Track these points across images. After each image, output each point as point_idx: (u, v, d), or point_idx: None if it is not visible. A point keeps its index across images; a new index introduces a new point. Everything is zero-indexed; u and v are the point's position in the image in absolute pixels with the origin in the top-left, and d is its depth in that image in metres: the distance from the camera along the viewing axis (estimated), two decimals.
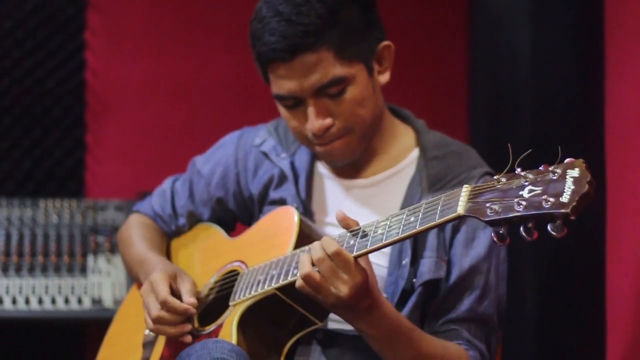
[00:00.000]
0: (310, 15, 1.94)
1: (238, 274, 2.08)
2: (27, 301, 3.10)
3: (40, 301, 3.11)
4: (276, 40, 1.96)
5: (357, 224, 1.84)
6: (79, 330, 3.44)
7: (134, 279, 2.32)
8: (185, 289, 2.07)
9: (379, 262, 2.04)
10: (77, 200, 3.41)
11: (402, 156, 2.13)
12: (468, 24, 3.85)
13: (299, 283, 1.84)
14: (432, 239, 2.03)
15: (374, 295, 1.85)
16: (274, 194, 2.18)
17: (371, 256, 2.02)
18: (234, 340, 1.93)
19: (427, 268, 2.01)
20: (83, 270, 3.22)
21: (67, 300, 3.13)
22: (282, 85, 2.00)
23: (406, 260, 2.02)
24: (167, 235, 2.37)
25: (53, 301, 3.12)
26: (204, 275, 2.16)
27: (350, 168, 2.14)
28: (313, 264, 1.80)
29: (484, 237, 2.05)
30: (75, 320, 3.15)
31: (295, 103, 2.02)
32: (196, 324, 2.07)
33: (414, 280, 2.01)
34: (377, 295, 1.87)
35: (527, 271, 3.22)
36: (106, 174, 3.57)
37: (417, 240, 2.03)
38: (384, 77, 2.08)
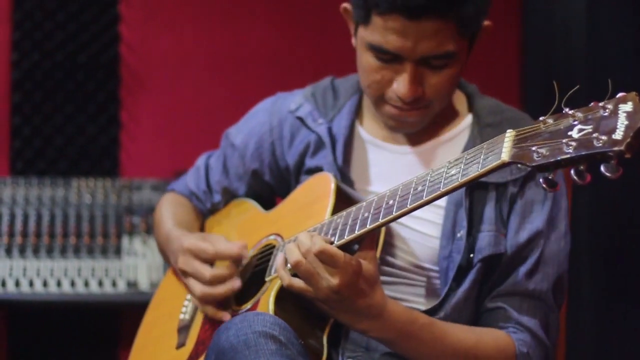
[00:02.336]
0: None
1: (274, 247, 1.93)
2: (58, 284, 2.97)
3: (72, 284, 2.98)
4: None
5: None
6: (113, 314, 3.30)
7: (165, 260, 2.18)
8: (222, 241, 1.95)
9: (430, 232, 1.89)
10: (112, 180, 3.28)
11: (455, 122, 1.97)
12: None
13: (287, 283, 1.71)
14: (489, 211, 1.87)
15: (373, 295, 1.69)
16: (310, 162, 2.02)
17: (421, 226, 1.87)
18: (271, 313, 1.77)
19: (486, 242, 1.85)
20: (117, 252, 3.08)
21: (100, 283, 3.00)
22: (390, 39, 1.81)
23: (461, 233, 1.85)
24: (203, 214, 2.22)
25: (86, 284, 2.98)
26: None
27: (400, 134, 1.98)
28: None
29: (542, 209, 1.89)
30: (109, 304, 3.02)
31: (393, 59, 1.84)
32: (233, 304, 1.92)
33: (472, 255, 1.86)
34: (379, 295, 1.70)
35: (583, 254, 3.08)
36: (141, 152, 3.43)
37: (473, 212, 1.87)
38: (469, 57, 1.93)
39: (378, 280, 1.70)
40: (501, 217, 1.88)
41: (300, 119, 2.06)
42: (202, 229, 2.20)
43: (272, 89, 3.43)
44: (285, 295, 1.79)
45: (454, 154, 1.91)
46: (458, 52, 1.83)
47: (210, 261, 1.95)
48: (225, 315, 1.91)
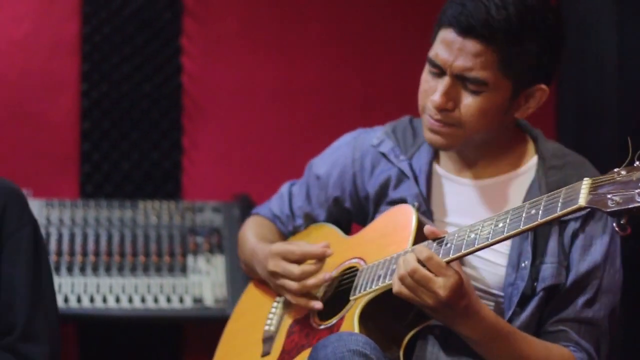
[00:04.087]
0: (501, 12, 2.00)
1: (357, 270, 2.13)
2: (130, 300, 3.18)
3: (142, 300, 3.19)
4: (464, 12, 2.01)
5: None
6: (180, 328, 3.51)
7: (252, 275, 2.39)
8: (305, 244, 2.19)
9: (498, 261, 2.09)
10: (175, 202, 3.49)
11: (522, 162, 2.18)
12: None
13: (396, 289, 1.92)
14: (552, 244, 2.08)
15: (470, 297, 1.92)
16: (393, 194, 2.23)
17: (489, 255, 2.08)
18: (356, 330, 1.99)
19: (549, 273, 2.07)
20: (183, 270, 3.29)
21: (168, 300, 3.20)
22: (440, 51, 2.05)
23: (526, 263, 2.07)
24: (284, 235, 2.43)
25: (155, 300, 3.19)
26: (327, 266, 2.21)
27: (470, 169, 2.18)
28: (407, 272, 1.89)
29: (601, 244, 2.11)
30: (176, 318, 3.23)
31: (439, 73, 2.07)
32: (317, 319, 2.13)
33: (535, 284, 2.06)
34: (475, 299, 1.94)
35: None
36: (202, 176, 3.64)
37: (537, 245, 2.08)
38: (522, 114, 2.13)
39: (472, 287, 1.92)
40: (563, 250, 2.09)
41: (383, 154, 2.27)
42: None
43: (323, 118, 3.67)
44: (368, 314, 2.01)
45: (520, 191, 2.12)
46: (493, 85, 2.04)
47: (297, 262, 2.18)
48: (318, 304, 2.14)
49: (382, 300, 2.03)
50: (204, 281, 3.26)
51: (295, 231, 2.42)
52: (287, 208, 2.42)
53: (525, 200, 2.09)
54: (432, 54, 2.08)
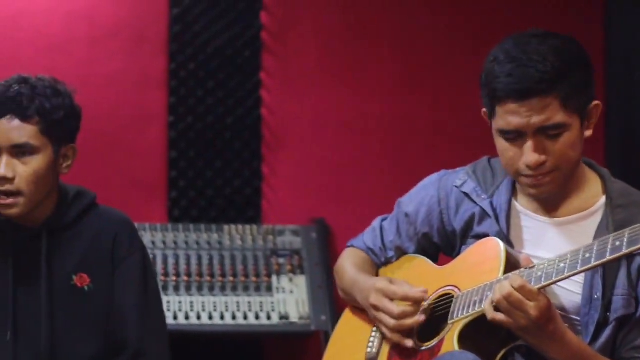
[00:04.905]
0: (546, 64, 2.21)
1: (451, 296, 2.39)
2: (222, 317, 3.45)
3: (233, 317, 3.45)
4: (513, 81, 2.22)
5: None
6: (268, 343, 3.77)
7: (349, 302, 2.65)
8: (407, 286, 2.42)
9: (574, 289, 2.34)
10: (256, 226, 3.76)
11: (592, 201, 2.39)
12: (604, 59, 4.13)
13: (490, 315, 2.18)
14: (622, 278, 2.32)
15: (557, 322, 2.18)
16: (477, 229, 2.47)
17: (566, 284, 2.33)
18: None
19: (620, 305, 2.31)
20: (269, 289, 3.55)
21: (257, 317, 3.47)
22: (509, 120, 2.28)
23: (597, 295, 2.31)
24: (377, 265, 2.69)
25: (245, 317, 3.46)
26: None
27: (546, 207, 2.42)
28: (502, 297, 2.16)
29: None
30: (264, 334, 3.50)
31: (516, 137, 2.30)
32: (417, 341, 2.39)
33: (608, 314, 2.31)
34: (561, 324, 2.19)
35: None
36: (280, 202, 3.90)
37: (607, 278, 2.32)
38: (589, 132, 2.36)
39: (557, 312, 2.17)
40: (631, 283, 2.33)
41: (466, 194, 2.52)
42: (375, 272, 2.67)
43: (392, 147, 3.93)
44: (465, 335, 2.26)
45: (591, 227, 2.36)
46: (568, 123, 2.27)
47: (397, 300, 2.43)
48: (409, 342, 2.38)
49: (477, 323, 2.28)
50: (288, 299, 3.53)
51: (387, 262, 2.66)
52: (380, 241, 2.66)
53: (594, 237, 2.33)
54: (501, 125, 2.27)
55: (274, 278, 3.59)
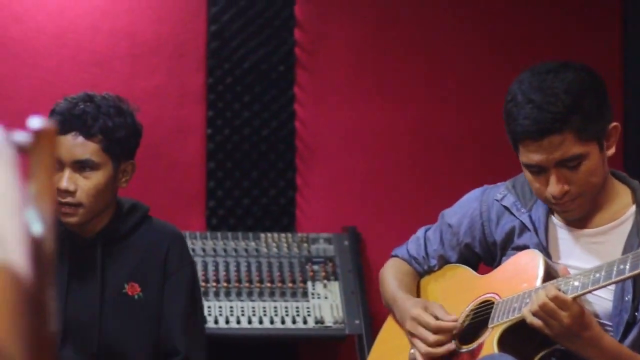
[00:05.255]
0: (557, 104, 2.39)
1: (492, 303, 2.56)
2: (260, 321, 3.62)
3: (271, 321, 3.63)
4: (529, 123, 2.41)
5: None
6: (304, 347, 3.95)
7: (388, 309, 2.83)
8: (440, 312, 2.59)
9: (606, 296, 2.51)
10: (290, 234, 3.93)
11: (622, 212, 2.57)
12: (621, 69, 4.28)
13: (529, 320, 2.35)
14: None
15: (593, 329, 2.35)
16: (517, 241, 2.65)
17: (600, 291, 2.50)
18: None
19: None
20: (305, 294, 3.73)
21: (294, 321, 3.64)
22: (531, 157, 2.46)
23: (628, 297, 2.48)
24: (420, 274, 2.86)
25: (282, 321, 3.63)
26: (457, 304, 2.65)
27: (580, 220, 2.59)
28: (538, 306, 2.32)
29: None
30: (301, 337, 3.68)
31: (539, 170, 2.49)
32: (457, 343, 2.56)
33: (636, 313, 2.48)
34: (598, 330, 2.36)
35: None
36: (313, 211, 4.07)
37: (637, 282, 2.49)
38: (611, 151, 2.54)
39: (594, 319, 2.34)
40: None
41: (506, 208, 2.69)
42: (418, 285, 2.84)
43: (421, 158, 4.10)
44: (504, 339, 2.44)
45: (621, 236, 2.54)
46: (585, 153, 2.44)
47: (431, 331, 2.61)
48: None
49: (516, 328, 2.46)
50: (323, 304, 3.70)
51: (430, 270, 2.84)
52: (423, 251, 2.84)
53: (625, 245, 2.50)
54: (524, 160, 2.47)
55: (309, 284, 3.76)
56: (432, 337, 2.57)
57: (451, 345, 2.57)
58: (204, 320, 2.90)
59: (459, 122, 4.14)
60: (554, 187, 2.46)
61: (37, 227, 1.43)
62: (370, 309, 3.75)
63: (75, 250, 2.80)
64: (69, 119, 2.71)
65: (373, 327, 3.68)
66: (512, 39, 4.19)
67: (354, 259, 3.87)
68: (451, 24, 4.17)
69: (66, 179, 2.69)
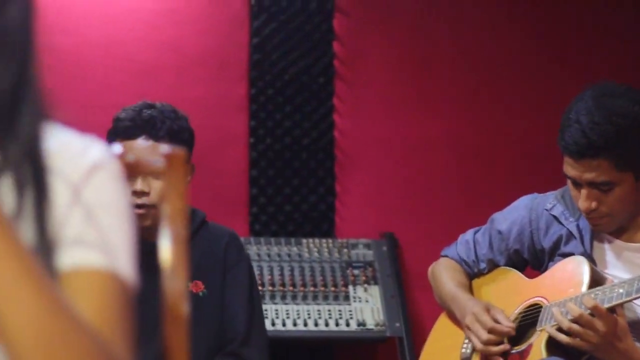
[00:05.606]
0: (599, 132, 2.54)
1: (540, 306, 2.72)
2: (305, 324, 3.78)
3: (315, 324, 3.78)
4: (571, 143, 2.57)
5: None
6: (347, 348, 4.10)
7: (445, 308, 2.98)
8: (500, 316, 2.74)
9: None
10: (331, 239, 4.08)
11: None
12: None
13: (565, 340, 2.50)
14: None
15: (627, 340, 2.49)
16: (564, 249, 2.80)
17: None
18: (543, 356, 2.58)
19: None
20: (346, 298, 3.88)
21: (337, 324, 3.80)
22: (569, 170, 2.63)
23: None
24: (469, 276, 3.01)
25: (326, 324, 3.78)
26: (507, 306, 2.81)
27: (625, 233, 2.73)
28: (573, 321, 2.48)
29: None
30: (344, 339, 3.83)
31: (575, 183, 2.64)
32: (508, 345, 2.72)
33: None
34: (631, 342, 2.51)
35: None
36: (352, 217, 4.23)
37: None
38: None
39: (628, 330, 2.50)
40: None
41: (555, 217, 2.84)
42: (470, 286, 2.99)
43: (453, 166, 4.25)
44: (552, 342, 2.59)
45: None
46: (617, 180, 2.60)
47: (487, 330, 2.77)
48: (497, 359, 2.73)
49: (562, 331, 2.61)
50: (364, 308, 3.86)
51: (479, 273, 2.99)
52: (473, 254, 2.99)
53: None
54: (564, 170, 2.63)
55: (350, 288, 3.92)
56: (485, 336, 2.72)
57: (506, 346, 2.72)
58: (262, 310, 3.05)
59: (492, 132, 4.29)
60: (582, 203, 2.62)
61: (167, 243, 1.59)
62: (409, 312, 3.90)
63: (141, 253, 2.95)
64: (139, 124, 2.85)
65: (412, 330, 3.85)
66: (546, 51, 4.34)
67: (392, 264, 4.03)
68: (485, 37, 4.32)
69: (140, 181, 2.84)
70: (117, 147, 1.37)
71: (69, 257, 1.19)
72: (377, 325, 3.81)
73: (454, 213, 4.20)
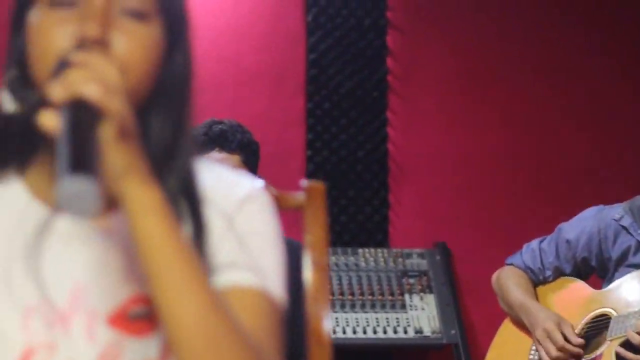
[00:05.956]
0: None
1: (608, 317, 2.85)
2: (364, 331, 3.91)
3: (374, 331, 3.92)
4: None
5: None
6: (405, 355, 4.24)
7: (510, 315, 3.11)
8: (568, 331, 2.87)
9: None
10: (386, 249, 4.22)
11: None
12: None
13: (633, 340, 2.63)
14: None
15: None
16: (632, 259, 2.93)
17: None
18: None
19: None
20: (403, 306, 4.02)
21: (395, 331, 3.93)
22: None
23: None
24: (534, 283, 3.15)
25: (384, 331, 3.92)
26: (573, 316, 2.94)
27: None
28: None
29: None
30: (403, 346, 3.96)
31: None
32: None
33: None
34: None
35: None
36: (406, 227, 4.36)
37: None
38: None
39: None
40: None
41: (624, 227, 2.97)
42: (536, 294, 3.12)
43: (500, 179, 4.37)
44: (621, 352, 2.73)
45: None
46: None
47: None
48: None
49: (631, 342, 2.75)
50: (420, 315, 3.99)
51: (544, 281, 3.12)
52: (539, 262, 3.12)
53: None
54: None
55: (407, 296, 4.05)
56: (555, 353, 2.86)
57: (580, 351, 2.86)
58: None
59: (541, 145, 4.42)
60: None
61: (309, 271, 1.72)
62: (464, 320, 4.04)
63: None
64: (212, 138, 2.97)
65: (467, 337, 3.98)
66: (603, 63, 4.46)
67: (446, 273, 4.16)
68: (535, 51, 4.45)
69: None
70: (260, 181, 1.50)
71: (223, 278, 1.30)
72: (433, 332, 3.94)
73: (504, 222, 4.33)
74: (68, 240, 1.29)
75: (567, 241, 3.07)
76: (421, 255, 4.21)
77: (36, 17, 1.25)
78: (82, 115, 1.13)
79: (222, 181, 1.39)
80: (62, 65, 1.18)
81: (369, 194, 4.35)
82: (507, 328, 3.15)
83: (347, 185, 4.34)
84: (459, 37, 4.42)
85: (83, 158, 1.10)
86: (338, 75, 4.35)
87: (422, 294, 4.07)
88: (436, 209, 4.38)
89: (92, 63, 1.17)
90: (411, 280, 4.11)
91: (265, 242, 1.36)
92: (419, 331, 3.95)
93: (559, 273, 3.10)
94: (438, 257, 4.21)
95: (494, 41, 4.43)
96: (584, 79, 4.47)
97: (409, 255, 4.21)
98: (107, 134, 1.15)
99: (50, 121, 1.13)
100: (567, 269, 3.08)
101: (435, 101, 4.41)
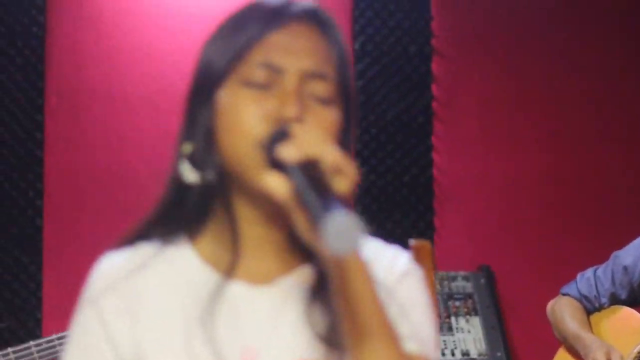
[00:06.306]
0: None
1: None
2: None
3: None
4: None
5: None
6: None
7: (565, 344, 3.21)
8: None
9: None
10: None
11: None
12: None
13: None
14: None
15: None
16: None
17: None
18: None
19: None
20: (450, 329, 4.12)
21: (443, 353, 4.03)
22: None
23: None
24: (588, 311, 3.24)
25: None
26: (625, 344, 3.03)
27: None
28: None
29: None
30: None
31: None
32: None
33: None
34: None
35: None
36: (450, 250, 4.46)
37: None
38: None
39: None
40: None
41: None
42: (589, 321, 3.22)
43: (543, 203, 4.47)
44: None
45: None
46: None
47: None
48: None
49: None
50: (467, 338, 4.09)
51: (600, 308, 3.22)
52: (594, 290, 3.22)
53: None
54: None
55: (453, 319, 4.15)
56: None
57: None
58: None
59: (584, 168, 4.51)
60: None
61: None
62: (510, 342, 4.13)
63: None
64: None
65: (512, 359, 4.08)
66: (637, 92, 4.55)
67: (490, 296, 4.25)
68: (577, 76, 4.54)
69: None
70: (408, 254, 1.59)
71: None
72: (479, 354, 4.04)
73: (547, 245, 4.42)
74: (240, 305, 1.38)
75: (625, 267, 3.16)
76: (466, 278, 4.31)
77: (228, 96, 1.35)
78: (314, 174, 1.24)
79: (381, 256, 1.50)
80: (282, 134, 1.29)
81: (415, 217, 4.45)
82: (561, 356, 3.25)
83: (393, 208, 4.44)
84: (501, 64, 4.52)
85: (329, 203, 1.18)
86: (384, 102, 4.45)
87: (467, 316, 4.17)
88: (480, 232, 4.47)
89: (311, 132, 1.29)
90: (457, 303, 4.20)
91: (424, 313, 1.47)
92: (465, 353, 4.05)
93: (614, 300, 3.20)
94: (482, 280, 4.30)
95: (535, 67, 4.53)
96: (628, 103, 4.56)
97: (454, 278, 4.30)
98: (343, 189, 1.26)
99: (280, 186, 1.25)
100: (623, 294, 3.18)
101: (479, 125, 4.50)
